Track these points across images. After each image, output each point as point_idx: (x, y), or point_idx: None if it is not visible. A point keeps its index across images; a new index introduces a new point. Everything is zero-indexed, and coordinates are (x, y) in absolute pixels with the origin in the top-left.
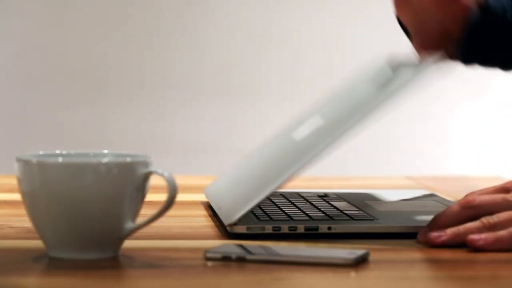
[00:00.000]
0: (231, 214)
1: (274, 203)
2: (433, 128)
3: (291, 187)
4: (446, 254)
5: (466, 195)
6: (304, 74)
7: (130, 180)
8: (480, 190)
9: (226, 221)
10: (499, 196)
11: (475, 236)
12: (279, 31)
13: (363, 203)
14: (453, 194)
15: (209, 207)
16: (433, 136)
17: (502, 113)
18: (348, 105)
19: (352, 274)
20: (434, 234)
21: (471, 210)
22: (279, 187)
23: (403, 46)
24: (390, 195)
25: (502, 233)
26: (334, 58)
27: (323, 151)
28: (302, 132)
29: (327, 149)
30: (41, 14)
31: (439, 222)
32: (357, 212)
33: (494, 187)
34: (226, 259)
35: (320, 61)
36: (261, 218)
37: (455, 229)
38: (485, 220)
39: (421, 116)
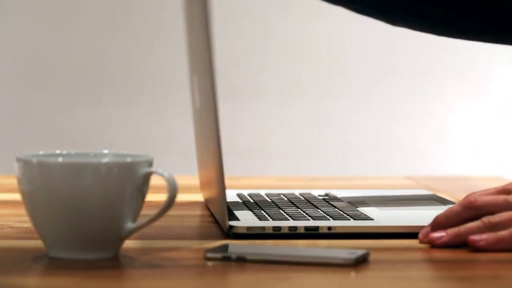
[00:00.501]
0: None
1: (274, 203)
2: (433, 128)
3: (291, 187)
4: (446, 254)
5: (467, 196)
6: (304, 74)
7: (130, 180)
8: (481, 191)
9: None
10: (501, 197)
11: (476, 237)
12: (279, 31)
13: (363, 203)
14: (453, 194)
15: (209, 207)
16: (433, 136)
17: (502, 113)
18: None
19: (352, 274)
20: (435, 235)
21: (472, 211)
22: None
23: (403, 46)
24: (390, 195)
25: (504, 233)
26: (335, 58)
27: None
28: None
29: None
30: (41, 14)
31: (440, 222)
32: (357, 212)
33: (495, 188)
34: (226, 259)
35: (320, 61)
36: (261, 218)
37: (456, 229)
38: (486, 220)
39: (421, 116)
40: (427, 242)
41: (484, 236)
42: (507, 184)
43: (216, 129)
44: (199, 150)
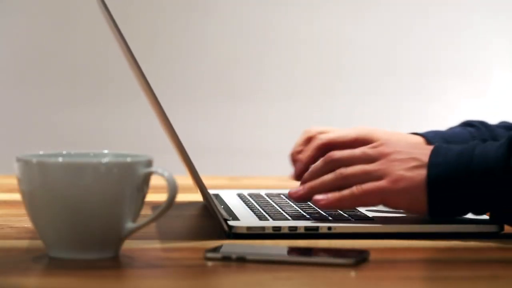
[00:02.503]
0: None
1: (274, 203)
2: (433, 127)
3: (291, 187)
4: (446, 254)
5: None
6: (304, 74)
7: (130, 180)
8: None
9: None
10: (358, 150)
11: (319, 196)
12: (279, 32)
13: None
14: None
15: (208, 207)
16: None
17: (502, 113)
18: None
19: (352, 274)
20: (292, 190)
21: (331, 164)
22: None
23: (402, 47)
24: None
25: (345, 192)
26: (334, 58)
27: None
28: None
29: None
30: (41, 14)
31: (306, 179)
32: (357, 212)
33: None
34: (226, 259)
35: (320, 62)
36: (261, 218)
37: (312, 182)
38: (339, 171)
39: (420, 116)
40: (295, 199)
41: (329, 195)
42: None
43: (173, 131)
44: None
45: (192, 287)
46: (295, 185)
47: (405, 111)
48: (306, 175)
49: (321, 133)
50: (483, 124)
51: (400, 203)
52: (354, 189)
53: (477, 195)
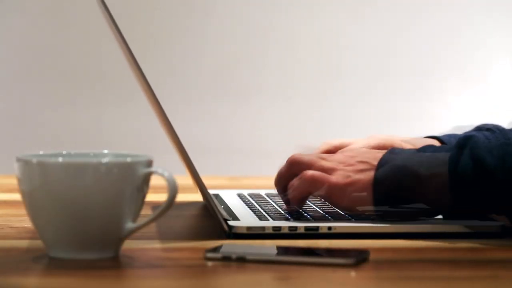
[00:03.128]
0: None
1: (274, 203)
2: (433, 128)
3: None
4: (446, 254)
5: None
6: (303, 74)
7: (130, 180)
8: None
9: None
10: (315, 156)
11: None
12: (279, 32)
13: None
14: None
15: (208, 207)
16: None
17: (502, 113)
18: None
19: (352, 274)
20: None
21: (294, 167)
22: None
23: (401, 47)
24: None
25: (295, 181)
26: (333, 58)
27: None
28: None
29: None
30: (40, 14)
31: (275, 183)
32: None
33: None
34: (226, 259)
35: (319, 62)
36: (261, 218)
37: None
38: (303, 173)
39: (420, 116)
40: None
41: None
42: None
43: (173, 131)
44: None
45: (192, 287)
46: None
47: (404, 111)
48: (275, 180)
49: (341, 146)
50: (497, 127)
51: (344, 202)
52: (303, 176)
53: (424, 198)
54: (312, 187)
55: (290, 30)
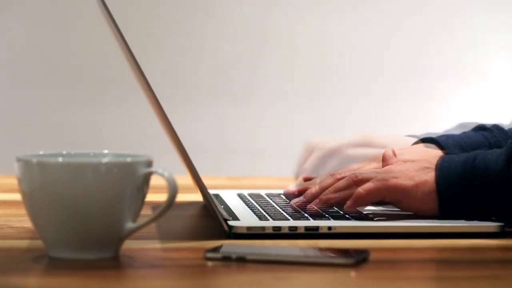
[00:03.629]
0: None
1: (274, 203)
2: (433, 128)
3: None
4: (446, 254)
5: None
6: (302, 74)
7: (130, 180)
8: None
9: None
10: (370, 166)
11: (296, 199)
12: (278, 33)
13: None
14: None
15: (208, 207)
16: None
17: (502, 113)
18: None
19: (352, 274)
20: (294, 200)
21: (341, 179)
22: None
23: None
24: None
25: (367, 185)
26: (332, 59)
27: None
28: None
29: None
30: (40, 14)
31: (314, 194)
32: (357, 212)
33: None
34: (226, 259)
35: (319, 62)
36: (261, 218)
37: (327, 191)
38: (353, 175)
39: (419, 116)
40: (297, 207)
41: (353, 195)
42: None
43: (173, 131)
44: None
45: (192, 287)
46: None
47: (403, 111)
48: (315, 190)
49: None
50: (496, 127)
51: (416, 204)
52: (377, 180)
53: (480, 203)
54: (387, 191)
55: (289, 30)
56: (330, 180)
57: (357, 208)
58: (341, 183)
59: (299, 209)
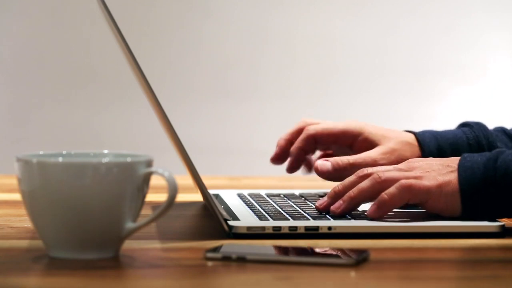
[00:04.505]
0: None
1: (274, 203)
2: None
3: (291, 187)
4: (446, 254)
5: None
6: (302, 74)
7: (130, 180)
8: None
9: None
10: (390, 166)
11: (369, 209)
12: (277, 32)
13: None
14: None
15: (208, 207)
16: None
17: (503, 114)
18: None
19: (352, 274)
20: (334, 206)
21: (365, 178)
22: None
23: (397, 46)
24: None
25: (391, 190)
26: (331, 58)
27: None
28: None
29: None
30: (40, 13)
31: (338, 192)
32: (357, 212)
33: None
34: (226, 259)
35: (318, 61)
36: (261, 218)
37: (350, 192)
38: (376, 175)
39: (420, 115)
40: (324, 210)
41: (376, 201)
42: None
43: (173, 130)
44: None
45: (192, 287)
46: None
47: (402, 110)
48: (338, 188)
49: (312, 125)
50: (478, 123)
51: (441, 205)
52: (400, 184)
53: (503, 203)
54: (411, 196)
55: (289, 30)
56: (353, 179)
57: (357, 208)
58: (364, 184)
59: (324, 212)
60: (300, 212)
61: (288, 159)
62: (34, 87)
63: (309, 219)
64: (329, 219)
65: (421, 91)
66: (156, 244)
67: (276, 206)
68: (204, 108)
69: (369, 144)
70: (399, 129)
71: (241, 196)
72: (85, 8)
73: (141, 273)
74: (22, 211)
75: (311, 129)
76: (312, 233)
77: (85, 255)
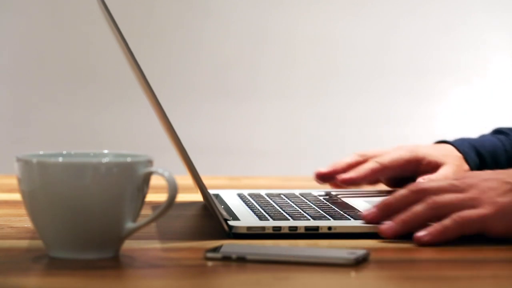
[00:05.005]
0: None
1: (274, 203)
2: (433, 128)
3: (291, 187)
4: (446, 254)
5: (416, 181)
6: (302, 74)
7: (130, 180)
8: (429, 177)
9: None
10: (447, 181)
11: (420, 233)
12: (277, 32)
13: (362, 203)
14: None
15: (208, 207)
16: (433, 136)
17: (503, 114)
18: None
19: (352, 274)
20: (385, 226)
21: (419, 194)
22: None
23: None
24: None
25: (447, 222)
26: (332, 58)
27: None
28: None
29: None
30: (41, 14)
31: (389, 204)
32: (357, 212)
33: (444, 175)
34: (226, 259)
35: (318, 61)
36: (261, 218)
37: (403, 216)
38: (431, 200)
39: (420, 116)
40: (370, 222)
41: (429, 229)
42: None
43: (173, 130)
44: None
45: (192, 287)
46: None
47: (402, 110)
48: (390, 200)
49: (373, 156)
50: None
51: (501, 229)
52: (456, 217)
53: None
54: (467, 229)
55: (288, 30)
56: (405, 193)
57: (357, 209)
58: (418, 209)
59: (372, 223)
60: (300, 212)
61: (336, 181)
62: (34, 87)
63: (309, 219)
64: (329, 219)
65: (421, 91)
66: (156, 244)
67: (276, 206)
68: (204, 108)
69: (433, 166)
70: (401, 129)
71: (241, 196)
72: (85, 8)
73: (141, 273)
74: (22, 211)
75: (380, 161)
76: (312, 233)
77: (85, 255)
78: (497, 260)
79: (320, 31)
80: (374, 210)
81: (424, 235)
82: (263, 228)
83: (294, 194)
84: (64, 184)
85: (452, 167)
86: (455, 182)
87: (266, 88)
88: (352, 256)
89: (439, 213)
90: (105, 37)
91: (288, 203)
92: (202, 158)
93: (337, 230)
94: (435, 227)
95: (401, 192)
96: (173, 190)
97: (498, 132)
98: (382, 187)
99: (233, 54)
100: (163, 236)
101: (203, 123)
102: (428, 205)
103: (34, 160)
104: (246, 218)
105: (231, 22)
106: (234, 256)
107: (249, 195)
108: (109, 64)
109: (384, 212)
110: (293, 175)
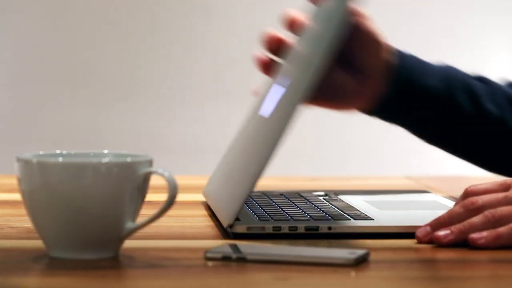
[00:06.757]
0: (229, 215)
1: (275, 203)
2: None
3: (291, 187)
4: (446, 254)
5: (466, 191)
6: None
7: (130, 180)
8: (480, 185)
9: (225, 222)
10: (501, 195)
11: (475, 235)
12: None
13: (362, 203)
14: (453, 194)
15: (209, 207)
16: None
17: None
18: (301, 59)
19: (352, 274)
20: (441, 234)
21: (474, 212)
22: (264, 168)
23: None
24: (390, 195)
25: (502, 229)
26: None
27: (294, 115)
28: (268, 107)
29: (297, 110)
30: (41, 14)
31: (443, 223)
32: (357, 212)
33: (494, 182)
34: (226, 259)
35: None
36: (261, 218)
37: (461, 225)
38: (489, 213)
39: None
40: (427, 241)
41: (484, 233)
42: (507, 179)
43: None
44: (236, 148)
45: (192, 287)
46: (296, 185)
47: None
48: (444, 219)
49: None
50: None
51: None
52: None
53: None
54: None
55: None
56: (460, 211)
57: (357, 209)
58: (476, 220)
59: (425, 242)
60: (300, 212)
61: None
62: (34, 87)
63: (309, 219)
64: (329, 219)
65: None
66: (156, 244)
67: (276, 206)
68: (206, 108)
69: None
70: (397, 129)
71: None
72: (85, 8)
73: (141, 273)
74: (22, 211)
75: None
76: (312, 233)
77: (85, 255)
78: (497, 260)
79: None
80: (428, 229)
81: (479, 238)
82: (263, 228)
83: (294, 194)
84: (64, 184)
85: None
86: (510, 195)
87: None
88: (352, 256)
89: (495, 226)
90: (105, 37)
91: (288, 203)
92: (202, 158)
93: (337, 230)
94: (490, 232)
95: (455, 210)
96: (173, 190)
97: (480, 79)
98: (382, 187)
99: (233, 54)
100: (163, 236)
101: (203, 123)
102: (486, 218)
103: (34, 160)
104: (246, 218)
105: (231, 22)
106: (234, 256)
107: (249, 195)
108: (109, 64)
109: (437, 229)
110: (293, 175)
